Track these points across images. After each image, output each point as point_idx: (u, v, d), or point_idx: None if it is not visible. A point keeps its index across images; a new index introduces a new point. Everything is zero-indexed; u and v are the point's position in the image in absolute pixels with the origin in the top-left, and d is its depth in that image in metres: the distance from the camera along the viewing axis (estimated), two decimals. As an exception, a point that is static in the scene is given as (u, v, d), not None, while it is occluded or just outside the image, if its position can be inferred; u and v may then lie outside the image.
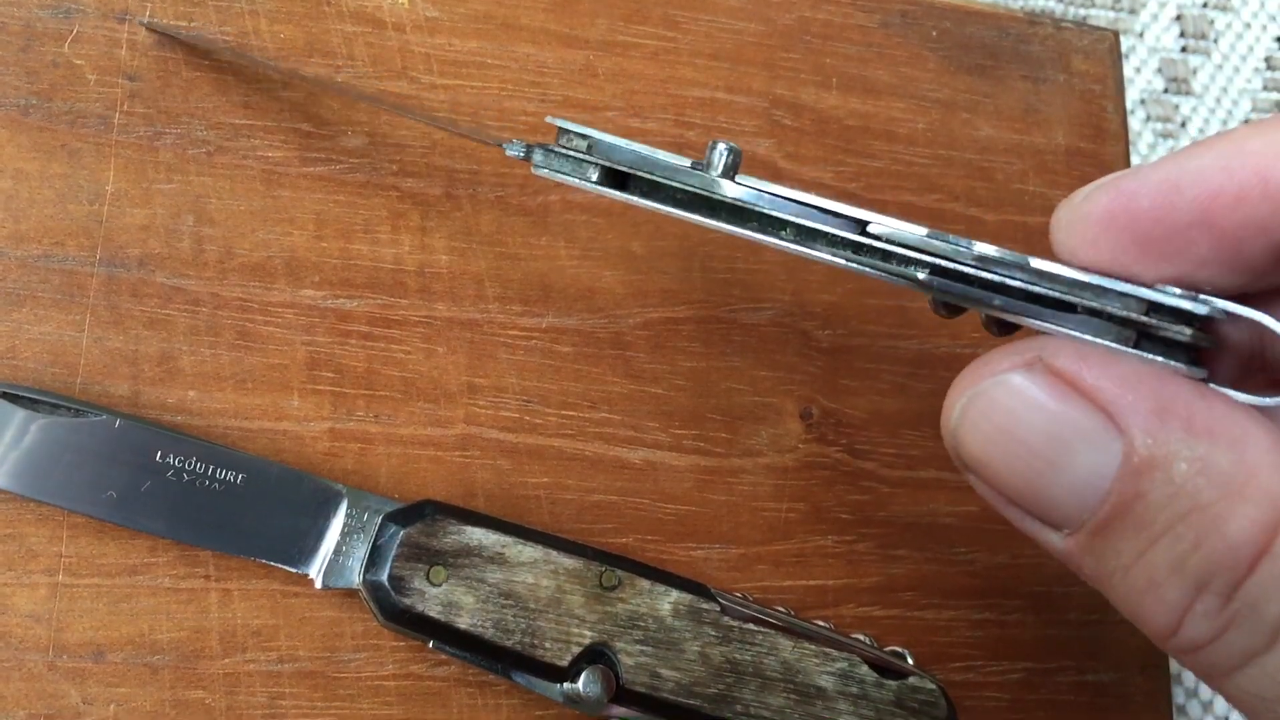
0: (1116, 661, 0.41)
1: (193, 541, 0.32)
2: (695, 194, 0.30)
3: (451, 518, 0.33)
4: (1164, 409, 0.23)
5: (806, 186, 0.41)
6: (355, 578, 0.33)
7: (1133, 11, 0.60)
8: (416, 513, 0.33)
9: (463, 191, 0.37)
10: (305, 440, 0.34)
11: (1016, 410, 0.25)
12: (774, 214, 0.29)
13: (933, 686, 0.36)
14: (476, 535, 0.33)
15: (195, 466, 0.32)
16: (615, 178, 0.31)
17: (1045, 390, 0.24)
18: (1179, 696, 0.48)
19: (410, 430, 0.35)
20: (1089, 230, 0.26)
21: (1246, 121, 0.61)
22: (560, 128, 0.31)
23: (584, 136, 0.31)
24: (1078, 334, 0.25)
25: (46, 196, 0.34)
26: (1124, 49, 0.60)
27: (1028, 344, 0.25)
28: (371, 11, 0.37)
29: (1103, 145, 0.45)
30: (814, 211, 0.29)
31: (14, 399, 0.31)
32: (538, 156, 0.31)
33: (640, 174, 0.30)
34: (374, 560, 0.32)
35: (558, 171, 0.31)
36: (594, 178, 0.31)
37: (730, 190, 0.29)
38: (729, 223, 0.29)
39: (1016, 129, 0.44)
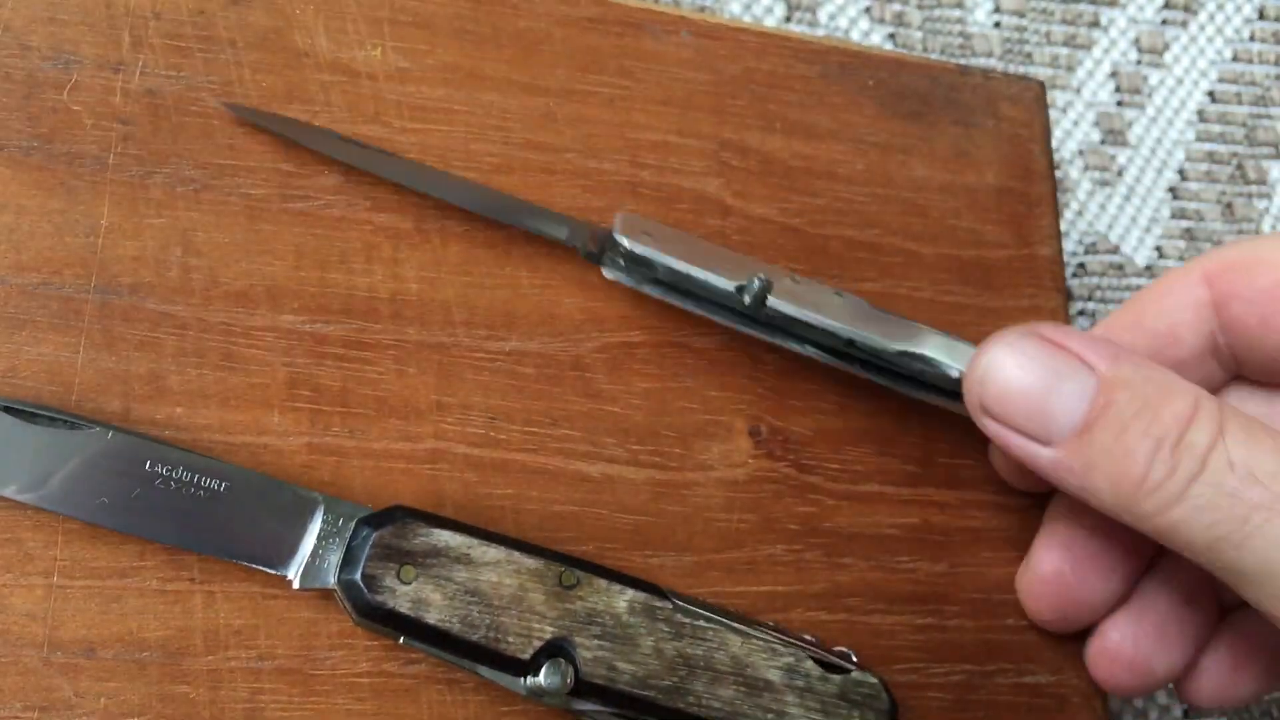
0: (1053, 664, 0.43)
1: (179, 545, 0.35)
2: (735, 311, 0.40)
3: (420, 521, 0.35)
4: (1117, 354, 0.35)
5: (753, 222, 0.44)
6: (331, 578, 0.35)
7: (1069, 69, 0.64)
8: (388, 517, 0.35)
9: (431, 225, 0.40)
10: (285, 454, 0.37)
11: (1022, 362, 0.36)
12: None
13: (874, 680, 0.38)
14: (444, 537, 0.35)
15: (182, 475, 0.34)
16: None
17: (1039, 347, 0.36)
18: (1114, 701, 0.50)
19: (383, 445, 0.38)
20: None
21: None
22: (625, 248, 0.39)
23: (645, 259, 0.39)
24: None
25: (46, 229, 0.36)
26: (1061, 103, 0.63)
27: (1023, 326, 0.37)
28: (347, 62, 0.40)
29: (1031, 185, 0.49)
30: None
31: (14, 413, 0.34)
32: (606, 270, 0.41)
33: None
34: (348, 561, 0.35)
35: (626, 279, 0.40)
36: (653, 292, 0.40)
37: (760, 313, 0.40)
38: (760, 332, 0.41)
39: (949, 169, 0.47)
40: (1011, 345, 0.36)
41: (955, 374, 0.40)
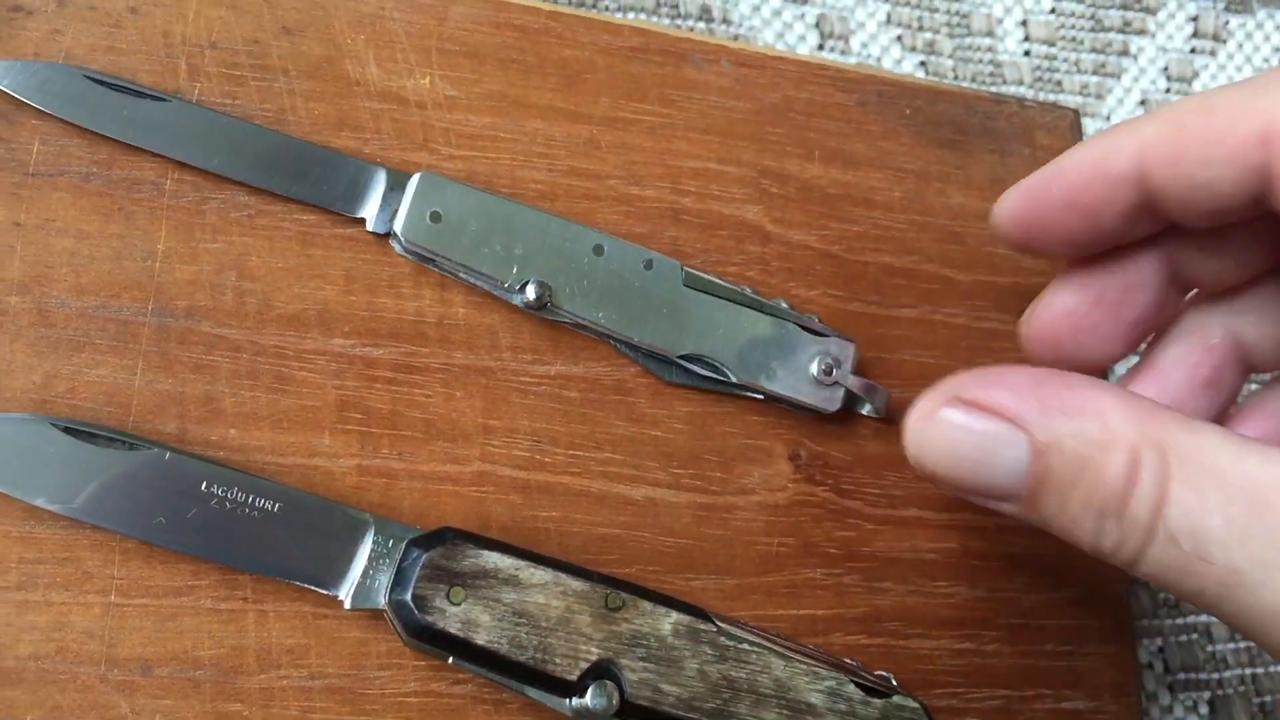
0: (1090, 689, 0.44)
1: (233, 564, 0.35)
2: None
3: (469, 543, 0.36)
4: (1045, 405, 0.32)
5: (793, 248, 0.45)
6: (381, 599, 0.35)
7: (1099, 97, 0.65)
8: (438, 538, 0.36)
9: (479, 251, 0.41)
10: (335, 475, 0.38)
11: (953, 436, 0.34)
12: None
13: (916, 705, 0.38)
14: (492, 559, 0.36)
15: (236, 496, 0.35)
16: None
17: (966, 417, 0.33)
18: (1152, 726, 0.51)
19: (431, 467, 0.39)
20: (1008, 223, 0.39)
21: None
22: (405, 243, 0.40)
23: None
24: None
25: (105, 254, 0.37)
26: (1091, 131, 0.64)
27: (945, 385, 0.34)
28: (396, 91, 0.41)
29: (1066, 212, 0.49)
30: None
31: (74, 433, 0.34)
32: (395, 244, 0.40)
33: None
34: (399, 582, 0.35)
35: None
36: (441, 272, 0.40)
37: None
38: None
39: (986, 197, 0.48)
40: (943, 419, 0.34)
41: (734, 379, 0.41)
